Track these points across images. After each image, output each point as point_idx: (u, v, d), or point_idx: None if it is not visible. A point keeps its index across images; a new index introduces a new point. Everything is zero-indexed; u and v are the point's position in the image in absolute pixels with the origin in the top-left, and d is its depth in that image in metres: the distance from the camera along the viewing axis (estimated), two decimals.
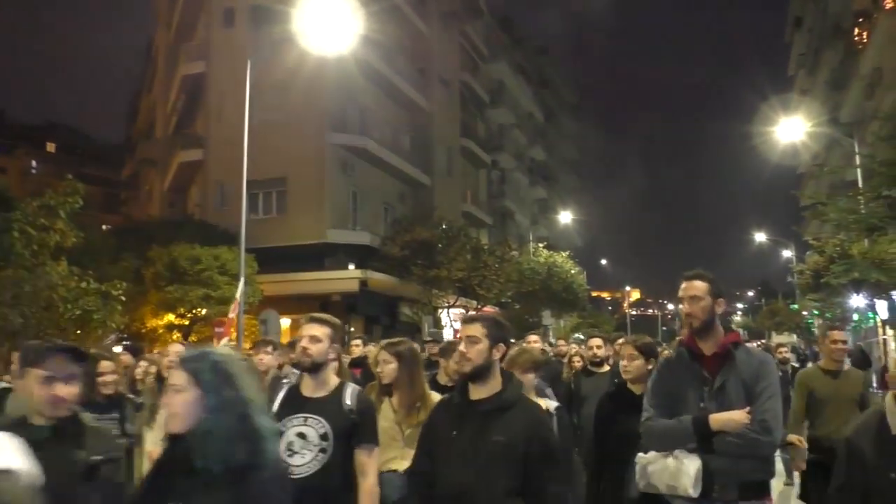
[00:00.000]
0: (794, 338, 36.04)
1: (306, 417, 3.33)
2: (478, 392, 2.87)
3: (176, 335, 18.41)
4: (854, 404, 5.35)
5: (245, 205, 14.47)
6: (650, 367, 4.09)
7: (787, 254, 42.76)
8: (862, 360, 16.83)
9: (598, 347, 6.33)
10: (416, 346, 4.62)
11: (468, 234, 26.81)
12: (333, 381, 3.48)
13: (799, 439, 5.30)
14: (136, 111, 50.33)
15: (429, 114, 30.95)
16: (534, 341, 7.29)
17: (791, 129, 21.53)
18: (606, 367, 6.27)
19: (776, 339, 33.94)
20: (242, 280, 12.94)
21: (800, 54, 40.45)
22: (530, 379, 4.14)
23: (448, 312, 25.38)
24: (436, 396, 4.04)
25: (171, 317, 18.38)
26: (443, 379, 5.11)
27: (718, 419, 3.01)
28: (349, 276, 22.86)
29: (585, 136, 69.63)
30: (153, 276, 18.05)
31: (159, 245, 18.57)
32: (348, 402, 3.38)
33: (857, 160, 17.18)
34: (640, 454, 3.22)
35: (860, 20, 27.23)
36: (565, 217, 45.75)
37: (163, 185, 32.47)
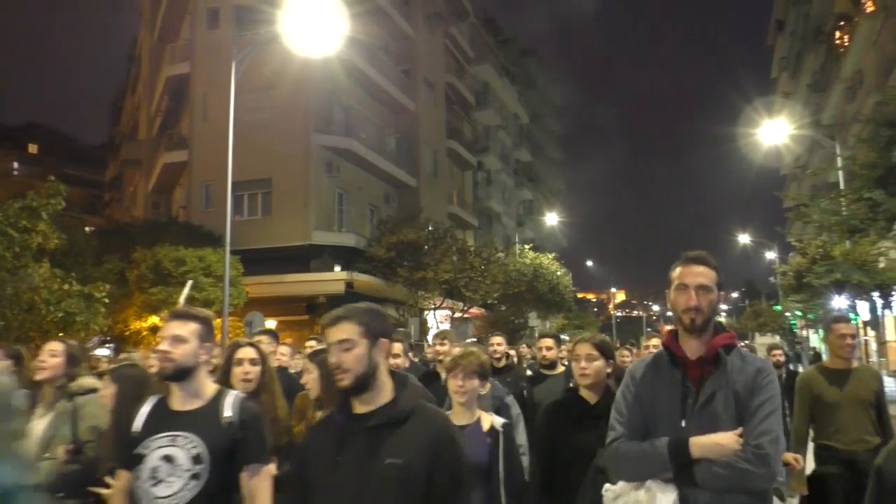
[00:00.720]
0: (777, 339, 36.33)
1: (174, 436, 2.68)
2: (363, 405, 2.29)
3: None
4: (869, 405, 4.68)
5: (230, 206, 14.39)
6: (609, 370, 3.64)
7: (770, 255, 43.10)
8: None
9: (549, 349, 5.89)
10: None
11: (454, 235, 26.82)
12: (209, 389, 2.85)
13: (796, 458, 4.56)
14: (120, 112, 50.05)
15: (414, 115, 30.96)
16: (497, 343, 6.49)
17: (774, 132, 21.78)
18: (560, 369, 5.85)
19: (759, 340, 34.26)
20: (190, 283, 12.80)
21: (782, 57, 40.83)
22: (474, 386, 3.67)
23: (434, 314, 25.38)
24: None
25: (155, 319, 18.23)
26: None
27: (701, 444, 2.36)
28: (335, 278, 22.79)
29: (570, 137, 69.91)
30: (137, 277, 17.92)
31: (143, 246, 18.43)
32: (228, 413, 2.75)
33: (839, 162, 17.35)
34: (608, 485, 2.58)
35: (841, 23, 27.48)
36: (551, 219, 46.03)
37: (147, 187, 32.24)
